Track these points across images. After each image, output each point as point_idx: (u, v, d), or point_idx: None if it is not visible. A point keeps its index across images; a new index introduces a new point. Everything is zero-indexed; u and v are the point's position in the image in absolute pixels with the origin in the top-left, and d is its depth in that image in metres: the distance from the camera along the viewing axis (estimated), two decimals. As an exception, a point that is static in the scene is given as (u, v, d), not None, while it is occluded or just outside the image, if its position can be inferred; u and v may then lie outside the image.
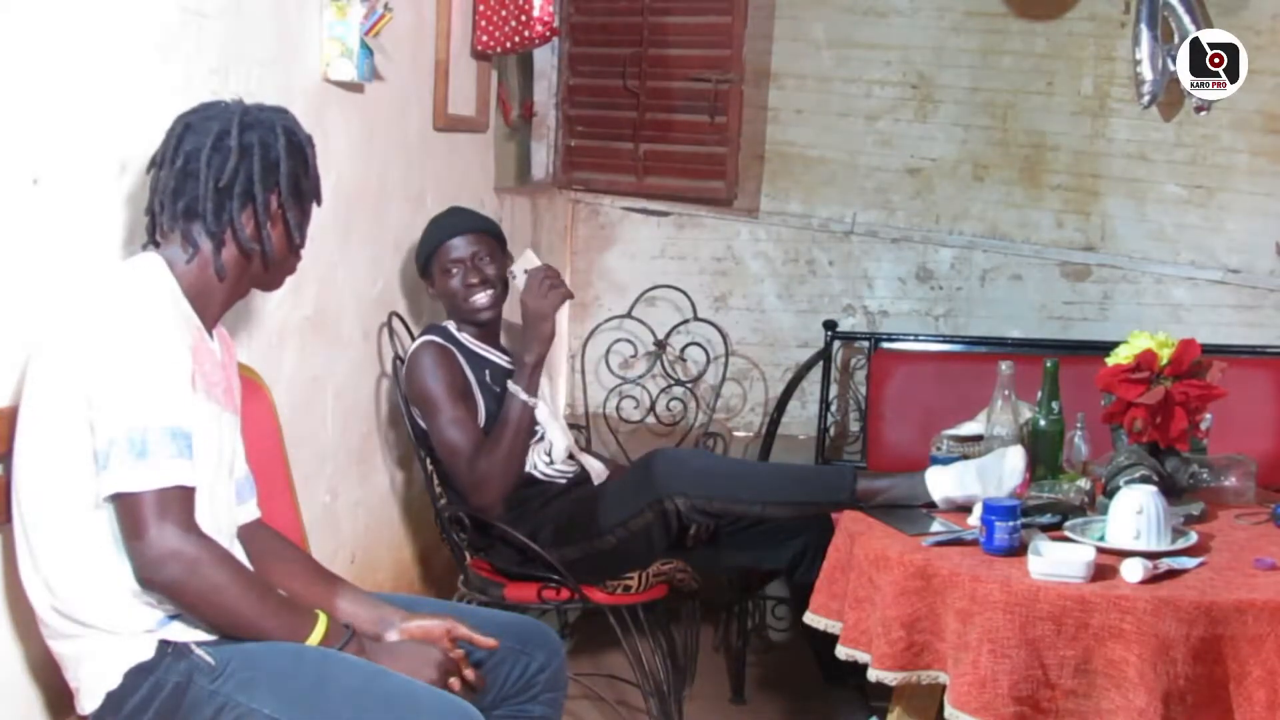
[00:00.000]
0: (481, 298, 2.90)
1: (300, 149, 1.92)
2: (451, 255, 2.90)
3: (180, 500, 1.68)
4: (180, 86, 2.10)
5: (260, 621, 1.73)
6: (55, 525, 1.70)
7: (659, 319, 3.96)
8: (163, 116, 2.05)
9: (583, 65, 4.13)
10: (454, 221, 2.96)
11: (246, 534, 1.96)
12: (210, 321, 1.88)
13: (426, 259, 2.94)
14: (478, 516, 2.77)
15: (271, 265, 1.93)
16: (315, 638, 1.76)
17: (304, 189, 1.93)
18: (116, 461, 1.65)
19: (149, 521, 1.65)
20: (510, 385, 2.78)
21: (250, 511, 2.01)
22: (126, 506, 1.66)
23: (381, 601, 2.01)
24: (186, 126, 1.86)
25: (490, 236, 2.97)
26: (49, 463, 1.70)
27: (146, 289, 1.76)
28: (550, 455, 2.89)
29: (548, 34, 3.32)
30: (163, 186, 1.84)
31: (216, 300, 1.88)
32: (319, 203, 1.99)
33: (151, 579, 1.67)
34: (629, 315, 3.94)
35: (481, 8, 3.33)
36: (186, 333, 1.77)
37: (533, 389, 2.79)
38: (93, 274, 1.87)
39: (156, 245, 1.87)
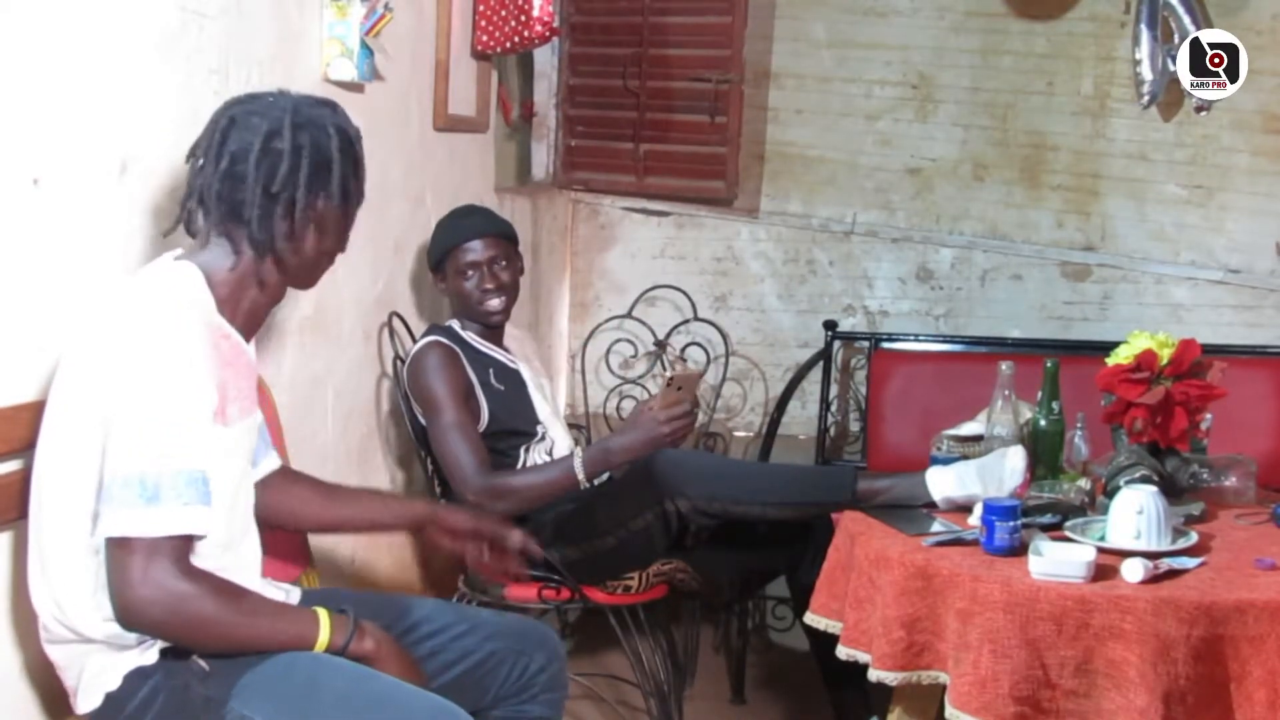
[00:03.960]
0: (495, 302, 2.90)
1: (352, 147, 1.84)
2: (468, 258, 2.89)
3: (174, 548, 1.62)
4: (180, 86, 2.10)
5: (264, 638, 1.70)
6: (70, 544, 1.67)
7: (659, 319, 3.97)
8: (163, 116, 2.05)
9: (583, 65, 4.13)
10: (473, 223, 2.95)
11: (265, 486, 1.97)
12: (250, 330, 1.84)
13: (441, 256, 2.94)
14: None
15: (307, 266, 1.87)
16: (323, 635, 1.74)
17: (351, 190, 1.86)
18: (122, 501, 1.59)
19: (134, 567, 1.59)
20: (578, 453, 2.72)
21: (271, 463, 2.02)
22: (118, 548, 1.60)
23: (408, 501, 2.13)
24: (231, 120, 1.78)
25: (507, 240, 2.97)
26: (68, 478, 1.67)
27: (181, 311, 1.69)
28: (551, 454, 2.89)
29: (548, 34, 3.32)
30: (205, 184, 1.77)
31: (256, 307, 1.84)
32: (361, 201, 1.93)
33: (132, 623, 1.63)
34: (629, 315, 3.94)
35: (481, 8, 3.33)
36: (215, 357, 1.71)
37: (593, 473, 2.71)
38: (123, 282, 1.82)
39: (192, 236, 1.83)
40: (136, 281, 1.78)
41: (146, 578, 1.59)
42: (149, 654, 1.70)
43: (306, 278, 1.92)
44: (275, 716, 1.66)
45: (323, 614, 1.77)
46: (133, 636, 1.69)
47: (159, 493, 1.60)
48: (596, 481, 2.75)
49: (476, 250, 2.89)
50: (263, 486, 1.96)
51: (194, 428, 1.65)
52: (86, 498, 1.65)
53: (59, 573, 1.68)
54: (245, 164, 1.75)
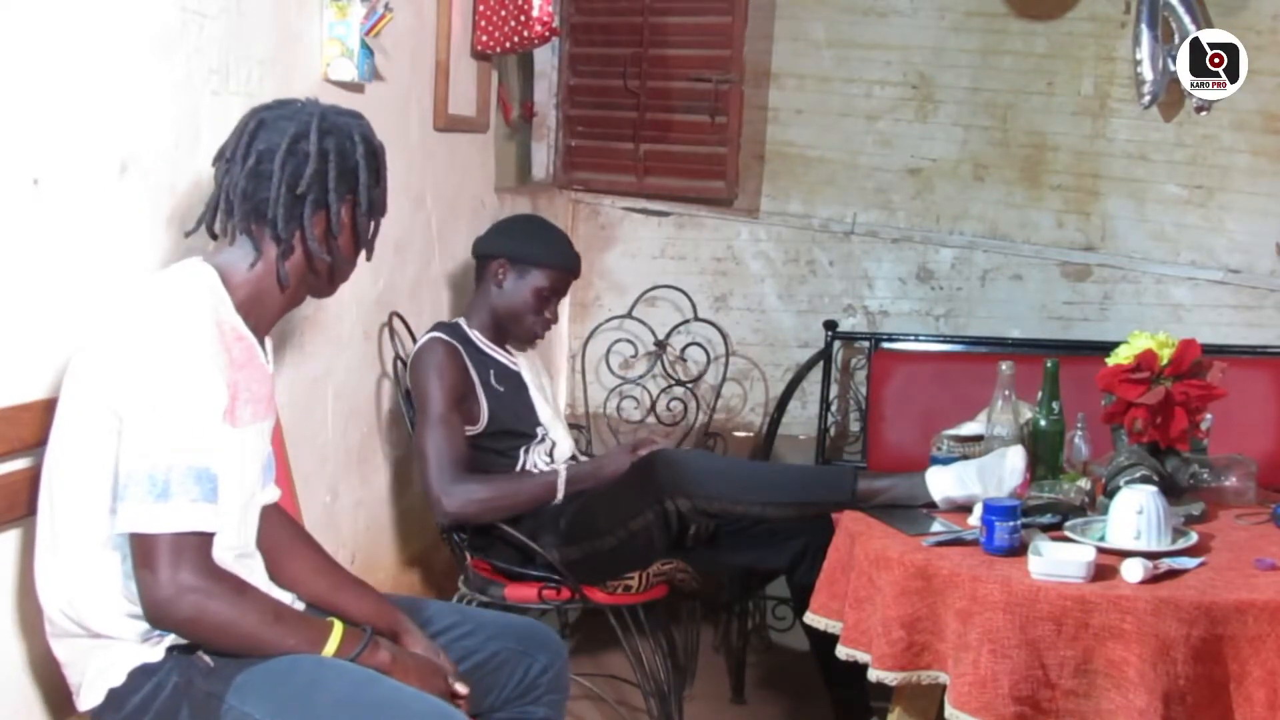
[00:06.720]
0: (545, 332, 3.03)
1: (375, 158, 1.89)
2: (554, 285, 2.98)
3: (197, 546, 1.64)
4: (180, 86, 2.10)
5: (279, 642, 1.71)
6: (81, 537, 1.68)
7: (659, 319, 3.97)
8: (162, 116, 2.05)
9: (583, 65, 4.13)
10: (574, 258, 3.04)
11: (263, 517, 1.93)
12: (263, 331, 1.85)
13: (528, 264, 2.95)
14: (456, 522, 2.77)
15: (336, 275, 1.91)
16: (331, 647, 1.75)
17: (374, 199, 1.90)
18: (135, 498, 1.61)
19: (161, 565, 1.61)
20: (563, 468, 2.80)
21: (271, 494, 1.99)
22: (141, 545, 1.63)
23: (387, 603, 2.00)
24: (260, 123, 1.81)
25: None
26: (80, 473, 1.68)
27: (192, 311, 1.71)
28: (552, 455, 2.90)
29: (548, 34, 3.32)
30: (231, 184, 1.80)
31: (274, 308, 1.86)
32: (384, 213, 1.96)
33: (160, 619, 1.65)
34: (629, 315, 3.94)
35: (481, 8, 3.33)
36: (225, 358, 1.71)
37: (574, 488, 2.79)
38: (138, 281, 1.85)
39: (214, 238, 1.85)
40: (151, 282, 1.80)
41: (173, 576, 1.62)
42: (155, 650, 1.70)
43: (329, 284, 1.94)
44: (272, 715, 1.66)
45: (337, 625, 1.78)
46: (140, 632, 1.70)
47: (168, 489, 1.61)
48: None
49: (563, 282, 3.01)
50: (262, 519, 1.93)
51: (203, 425, 1.66)
52: (100, 493, 1.66)
53: (71, 567, 1.69)
54: (271, 163, 1.78)
